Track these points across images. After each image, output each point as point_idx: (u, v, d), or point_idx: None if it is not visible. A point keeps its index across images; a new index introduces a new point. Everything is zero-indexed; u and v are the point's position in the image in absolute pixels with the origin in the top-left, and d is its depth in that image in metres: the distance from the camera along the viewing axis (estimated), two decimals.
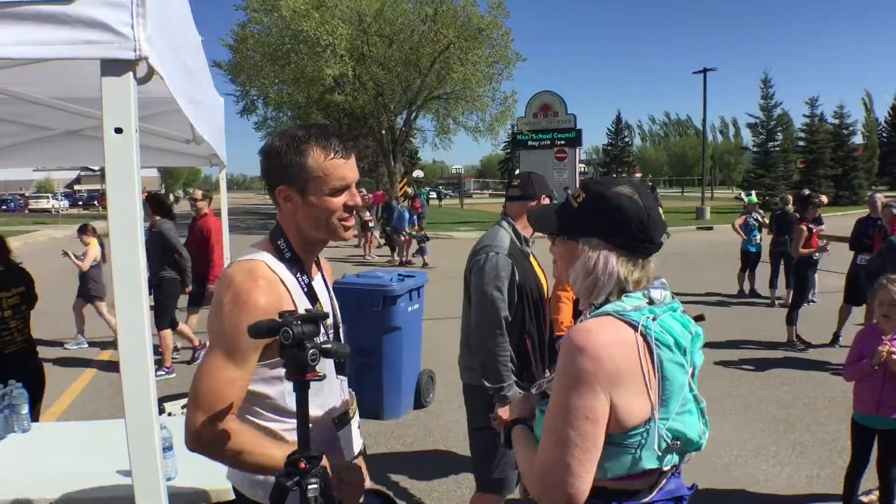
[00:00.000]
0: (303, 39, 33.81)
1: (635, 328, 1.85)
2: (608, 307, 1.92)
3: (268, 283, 2.15)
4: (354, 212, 2.31)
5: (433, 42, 35.11)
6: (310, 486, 2.01)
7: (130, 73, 1.47)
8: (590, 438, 1.80)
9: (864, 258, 9.77)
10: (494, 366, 3.74)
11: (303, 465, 2.03)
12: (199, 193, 10.22)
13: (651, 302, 1.95)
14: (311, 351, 1.94)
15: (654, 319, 1.88)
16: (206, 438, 2.06)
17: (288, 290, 2.21)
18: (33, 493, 3.21)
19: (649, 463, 1.87)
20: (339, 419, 2.40)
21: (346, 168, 2.21)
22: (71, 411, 7.67)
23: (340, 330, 2.51)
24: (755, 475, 5.85)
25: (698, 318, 4.50)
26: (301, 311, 2.17)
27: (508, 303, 3.83)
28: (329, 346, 2.02)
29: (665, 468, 1.92)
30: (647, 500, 1.93)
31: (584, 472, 1.81)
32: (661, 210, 1.99)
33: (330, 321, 2.40)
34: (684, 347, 1.91)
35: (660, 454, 1.87)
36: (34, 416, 4.54)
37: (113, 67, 1.46)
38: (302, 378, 1.99)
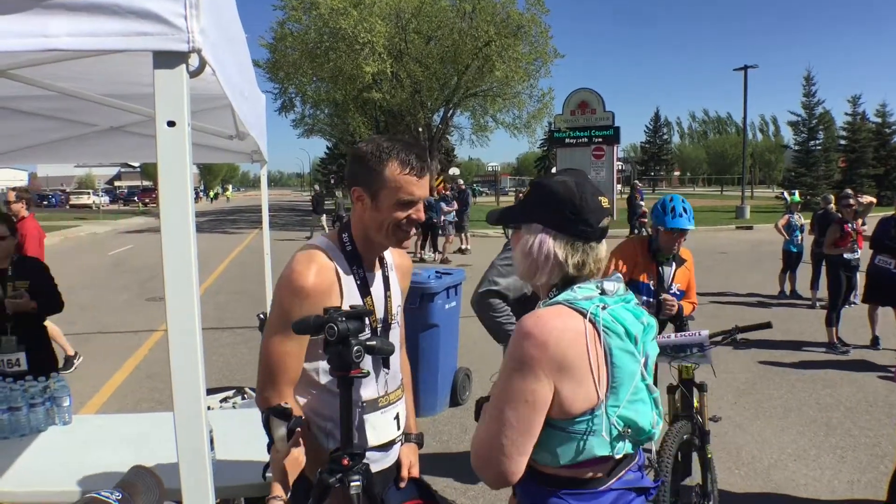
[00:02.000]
0: (341, 37, 33.89)
1: (584, 315, 1.90)
2: (560, 297, 1.97)
3: (320, 268, 2.36)
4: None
5: (472, 39, 35.02)
6: (352, 483, 2.02)
7: (183, 66, 1.46)
8: (526, 422, 1.87)
9: (882, 259, 9.56)
10: (499, 328, 3.97)
11: (346, 462, 2.03)
12: (12, 195, 8.99)
13: (604, 292, 2.00)
14: (355, 348, 1.94)
15: (604, 308, 1.93)
16: (263, 401, 2.38)
17: (339, 279, 2.41)
18: (74, 486, 3.24)
19: (600, 450, 1.91)
20: (365, 404, 2.49)
21: (417, 185, 2.38)
22: (111, 403, 7.78)
23: (392, 326, 2.63)
24: (795, 479, 5.76)
25: (765, 325, 4.52)
26: (347, 300, 2.40)
27: (530, 297, 3.90)
28: (374, 342, 2.03)
29: (617, 456, 1.95)
30: (602, 488, 1.98)
31: (516, 454, 1.88)
32: (601, 198, 2.05)
33: (379, 316, 2.55)
34: (635, 336, 1.96)
35: (611, 441, 1.91)
36: None
37: (166, 59, 1.45)
38: (346, 375, 1.99)
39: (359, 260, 2.49)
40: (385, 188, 2.35)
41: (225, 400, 5.99)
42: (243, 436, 3.71)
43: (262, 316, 6.84)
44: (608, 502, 1.99)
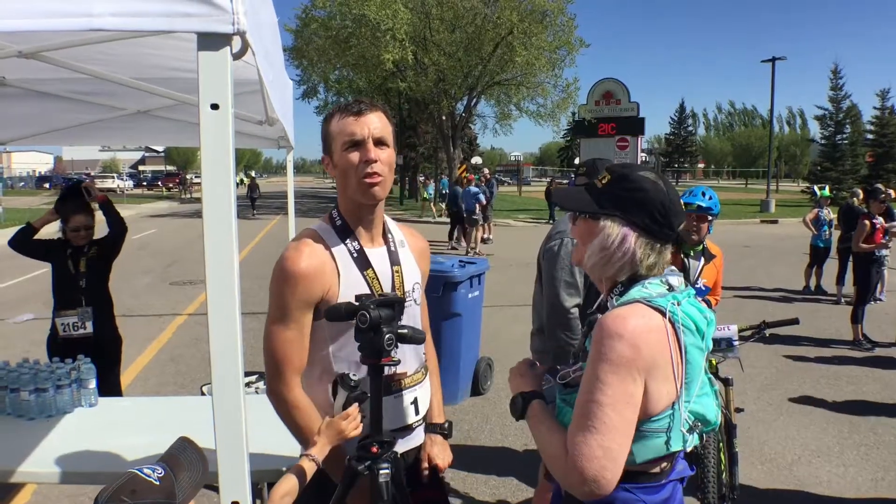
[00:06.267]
0: (364, 23, 33.84)
1: (663, 314, 1.89)
2: (635, 294, 1.94)
3: (311, 250, 2.37)
4: (376, 174, 2.37)
5: (496, 26, 34.84)
6: (381, 472, 2.01)
7: (227, 48, 1.44)
8: (630, 423, 1.84)
9: None
10: (567, 353, 3.72)
11: (375, 449, 2.03)
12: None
13: (671, 288, 1.99)
14: (387, 336, 1.93)
15: (678, 305, 1.92)
16: (273, 396, 2.41)
17: (332, 255, 2.40)
18: (99, 467, 3.25)
19: (676, 445, 1.93)
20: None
21: (355, 124, 2.35)
22: (134, 386, 7.82)
23: (406, 304, 2.53)
24: (818, 475, 5.72)
25: (792, 322, 4.49)
26: (344, 274, 2.38)
27: (583, 288, 3.80)
28: (405, 330, 2.01)
29: (688, 449, 1.99)
30: (664, 480, 2.00)
31: (622, 458, 1.83)
32: (681, 200, 2.03)
33: (387, 290, 2.49)
34: (703, 332, 1.97)
35: (684, 435, 1.93)
36: None
37: (210, 41, 1.43)
38: (377, 363, 1.98)
39: (351, 232, 2.47)
40: (333, 140, 2.40)
41: (248, 385, 6.01)
42: (266, 421, 3.70)
43: None
44: (668, 493, 2.00)
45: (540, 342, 4.03)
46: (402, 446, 2.54)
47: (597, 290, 3.87)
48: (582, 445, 1.82)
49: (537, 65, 35.54)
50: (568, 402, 2.01)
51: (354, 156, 2.34)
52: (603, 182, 2.04)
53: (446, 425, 2.77)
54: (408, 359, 2.53)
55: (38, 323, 9.79)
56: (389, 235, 2.61)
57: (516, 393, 2.18)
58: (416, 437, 2.65)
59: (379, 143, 2.37)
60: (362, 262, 2.44)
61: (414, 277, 2.63)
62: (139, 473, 1.64)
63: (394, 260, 2.55)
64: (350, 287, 2.37)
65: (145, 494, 1.60)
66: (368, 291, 2.39)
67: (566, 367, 2.10)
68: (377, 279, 2.45)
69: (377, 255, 2.50)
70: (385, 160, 2.38)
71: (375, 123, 2.37)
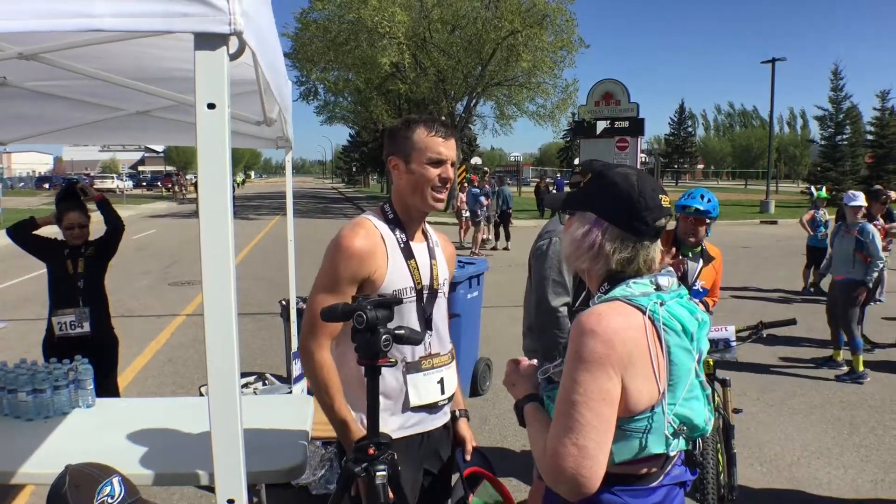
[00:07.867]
0: (362, 26, 33.82)
1: (643, 312, 1.88)
2: (617, 292, 1.94)
3: (367, 232, 2.63)
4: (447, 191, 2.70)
5: (496, 28, 34.81)
6: (378, 473, 2.01)
7: (224, 48, 1.45)
8: (606, 420, 1.82)
9: None
10: (557, 350, 3.72)
11: (371, 451, 2.03)
12: None
13: (658, 288, 1.98)
14: (384, 336, 1.93)
15: (661, 305, 1.91)
16: (303, 351, 2.62)
17: (384, 242, 2.66)
18: None
19: (656, 447, 1.90)
20: (409, 365, 2.70)
21: (443, 146, 2.66)
22: (133, 387, 7.83)
23: (438, 295, 2.86)
24: (818, 476, 5.72)
25: (789, 322, 4.49)
26: (391, 261, 2.64)
27: (572, 287, 3.81)
28: (402, 331, 2.03)
29: (671, 453, 1.95)
30: (654, 484, 1.97)
31: (601, 455, 1.81)
32: (661, 197, 2.01)
33: (425, 282, 2.77)
34: (691, 333, 1.95)
35: (667, 439, 1.90)
36: None
37: (207, 41, 1.44)
38: (373, 364, 1.98)
39: (401, 226, 2.74)
40: (415, 150, 2.64)
41: (246, 386, 6.02)
42: (264, 421, 3.72)
43: (283, 303, 6.86)
44: (660, 498, 1.98)
45: (531, 341, 4.05)
46: (428, 424, 2.81)
47: (586, 288, 3.91)
48: (557, 445, 1.83)
49: (543, 66, 35.54)
50: (552, 398, 2.01)
51: (434, 172, 2.64)
52: (585, 180, 2.10)
53: (465, 411, 3.08)
54: (439, 341, 2.85)
55: (37, 324, 9.80)
56: (428, 234, 2.93)
57: (515, 401, 2.19)
58: (442, 416, 2.89)
59: (452, 164, 2.72)
60: (407, 252, 2.72)
61: (444, 273, 2.93)
62: (106, 482, 1.61)
63: (431, 255, 2.86)
64: (395, 272, 2.66)
65: (82, 499, 1.57)
66: (410, 278, 2.70)
67: (550, 364, 2.11)
68: (418, 269, 2.74)
69: (419, 248, 2.80)
70: (452, 179, 2.72)
71: (454, 148, 2.73)
